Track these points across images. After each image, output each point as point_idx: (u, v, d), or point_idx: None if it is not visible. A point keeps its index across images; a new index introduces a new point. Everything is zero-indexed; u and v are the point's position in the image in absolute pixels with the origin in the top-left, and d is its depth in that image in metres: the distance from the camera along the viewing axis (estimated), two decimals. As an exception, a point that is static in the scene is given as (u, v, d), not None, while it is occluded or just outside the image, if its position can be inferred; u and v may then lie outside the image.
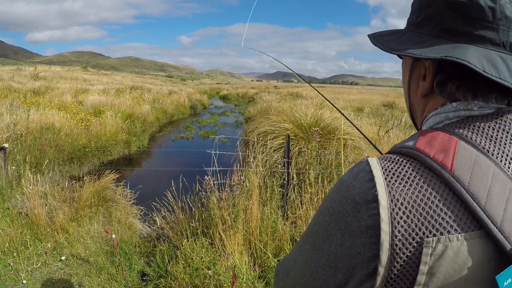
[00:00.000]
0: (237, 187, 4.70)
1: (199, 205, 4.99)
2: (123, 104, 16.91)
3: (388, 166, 0.72)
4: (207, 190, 4.78)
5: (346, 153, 6.88)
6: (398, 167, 0.71)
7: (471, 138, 0.72)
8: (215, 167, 5.15)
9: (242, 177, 4.86)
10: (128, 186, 6.67)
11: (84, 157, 10.48)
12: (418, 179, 0.68)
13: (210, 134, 17.69)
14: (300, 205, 5.20)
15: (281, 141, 7.52)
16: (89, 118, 12.74)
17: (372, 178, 0.70)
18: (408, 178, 0.69)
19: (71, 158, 10.07)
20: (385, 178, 0.69)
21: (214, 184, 4.81)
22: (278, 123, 8.56)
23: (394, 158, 0.73)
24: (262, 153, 6.47)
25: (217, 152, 5.26)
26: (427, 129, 0.78)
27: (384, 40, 0.90)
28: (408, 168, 0.70)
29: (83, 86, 25.17)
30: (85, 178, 6.26)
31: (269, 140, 7.51)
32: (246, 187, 4.86)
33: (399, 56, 0.95)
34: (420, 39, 0.82)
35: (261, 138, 8.08)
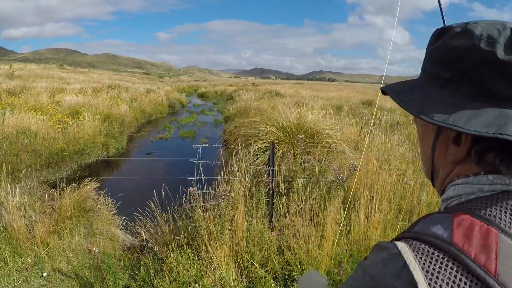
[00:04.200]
0: (223, 198, 4.58)
1: (184, 216, 4.89)
2: (100, 105, 16.60)
3: (429, 267, 0.63)
4: (192, 201, 4.66)
5: (331, 158, 6.82)
6: (441, 270, 0.62)
7: (510, 227, 0.65)
8: (200, 176, 5.04)
9: (227, 188, 4.75)
10: (109, 195, 6.49)
11: (61, 161, 10.24)
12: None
13: (189, 134, 17.61)
14: (286, 214, 5.13)
15: (263, 144, 7.44)
16: (66, 120, 12.49)
17: (414, 284, 0.61)
18: (453, 285, 0.60)
19: (48, 163, 9.81)
20: (429, 284, 0.61)
21: (198, 195, 4.70)
22: (260, 125, 8.46)
23: (433, 255, 0.64)
24: (245, 157, 6.37)
25: (201, 161, 5.13)
26: (459, 212, 0.70)
27: (411, 100, 0.80)
28: (451, 270, 0.62)
29: (60, 85, 24.73)
30: (64, 187, 6.04)
31: (252, 143, 7.41)
32: (232, 198, 4.76)
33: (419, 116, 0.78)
34: (454, 100, 0.74)
35: (243, 142, 8.00)
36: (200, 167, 5.08)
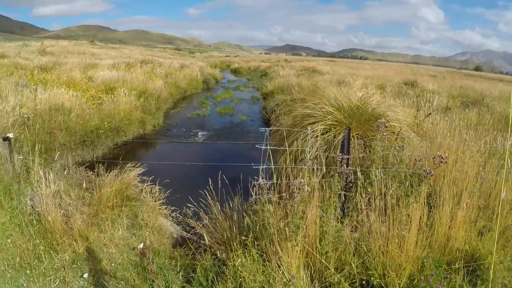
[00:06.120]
0: (298, 192, 3.77)
1: (250, 212, 4.10)
2: (135, 80, 16.22)
3: None
4: (260, 194, 3.85)
5: (401, 144, 5.93)
6: None
7: None
8: (268, 164, 4.21)
9: (302, 180, 3.89)
10: (156, 183, 5.61)
11: (97, 139, 9.72)
12: None
13: (227, 111, 17.10)
14: (362, 209, 4.33)
15: (322, 126, 6.63)
16: (100, 96, 12.05)
17: None
18: None
19: (83, 141, 9.33)
20: None
21: (268, 189, 3.89)
22: (316, 105, 7.62)
23: None
24: (304, 141, 5.58)
25: (269, 147, 4.27)
26: None
27: None
28: None
29: (92, 61, 24.54)
30: (102, 171, 5.35)
31: (309, 125, 6.57)
32: (307, 191, 3.96)
33: None
34: None
35: (297, 123, 7.27)
36: (269, 153, 4.25)
